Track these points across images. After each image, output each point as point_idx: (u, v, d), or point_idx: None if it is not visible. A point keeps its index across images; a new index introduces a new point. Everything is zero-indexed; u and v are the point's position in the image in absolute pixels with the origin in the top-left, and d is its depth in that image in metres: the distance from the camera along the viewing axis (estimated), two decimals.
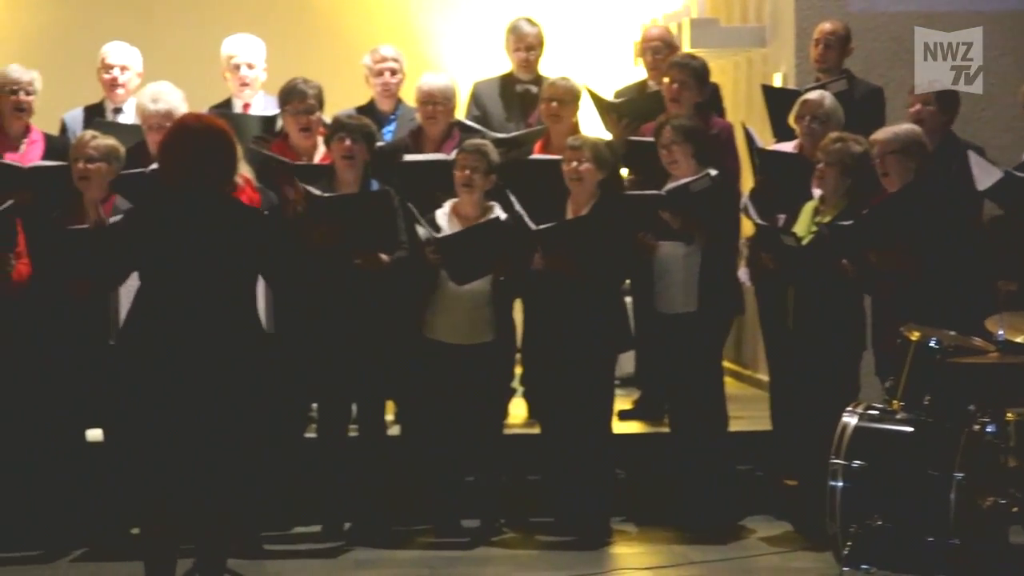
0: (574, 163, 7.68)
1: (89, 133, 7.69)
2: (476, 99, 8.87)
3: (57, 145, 8.05)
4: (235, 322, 5.86)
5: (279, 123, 8.18)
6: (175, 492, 5.85)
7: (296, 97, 7.95)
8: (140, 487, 5.92)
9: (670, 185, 7.71)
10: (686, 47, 9.70)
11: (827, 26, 8.66)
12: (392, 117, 8.56)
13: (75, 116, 8.48)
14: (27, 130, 8.14)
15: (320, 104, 7.99)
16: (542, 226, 7.53)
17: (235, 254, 5.88)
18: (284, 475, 7.64)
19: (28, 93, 8.06)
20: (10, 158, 7.94)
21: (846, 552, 6.52)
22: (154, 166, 6.97)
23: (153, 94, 7.88)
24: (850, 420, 6.70)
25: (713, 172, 7.70)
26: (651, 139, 7.92)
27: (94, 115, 8.41)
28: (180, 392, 5.76)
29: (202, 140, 5.94)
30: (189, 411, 5.77)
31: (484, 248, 7.53)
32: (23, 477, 7.49)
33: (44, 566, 7.30)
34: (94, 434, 7.60)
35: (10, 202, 7.37)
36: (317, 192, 7.48)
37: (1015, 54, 9.36)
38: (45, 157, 7.99)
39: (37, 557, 7.37)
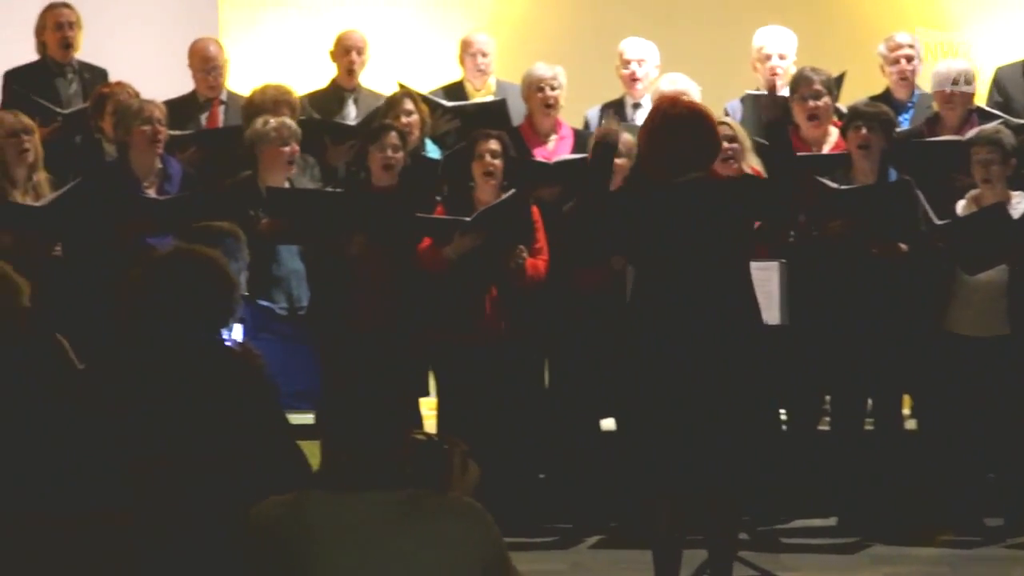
0: None
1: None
2: (998, 84, 8.60)
3: (585, 139, 8.27)
4: (736, 304, 5.87)
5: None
6: (683, 482, 5.90)
7: (803, 84, 7.91)
8: (648, 477, 6.00)
9: None
10: None
11: None
12: (909, 105, 8.38)
13: (594, 113, 8.69)
14: (556, 126, 8.40)
15: (831, 92, 7.91)
16: None
17: (728, 234, 5.89)
18: (799, 467, 7.62)
19: (553, 88, 8.31)
20: (539, 153, 8.22)
21: None
22: None
23: (671, 78, 8.18)
24: None
25: None
26: None
27: (612, 111, 8.60)
28: (685, 380, 5.80)
29: (682, 123, 5.94)
30: (695, 399, 5.80)
31: (993, 236, 7.27)
32: (544, 465, 7.72)
33: (562, 551, 7.49)
34: (607, 423, 7.78)
35: (512, 191, 7.60)
36: (832, 184, 7.42)
37: None
38: (574, 152, 8.23)
39: (555, 543, 7.57)
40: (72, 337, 5.77)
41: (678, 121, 5.94)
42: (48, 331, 5.46)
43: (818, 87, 7.88)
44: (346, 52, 8.90)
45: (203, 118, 8.75)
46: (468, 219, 7.53)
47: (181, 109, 8.53)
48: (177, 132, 8.17)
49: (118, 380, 4.29)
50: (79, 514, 3.80)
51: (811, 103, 7.89)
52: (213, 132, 8.58)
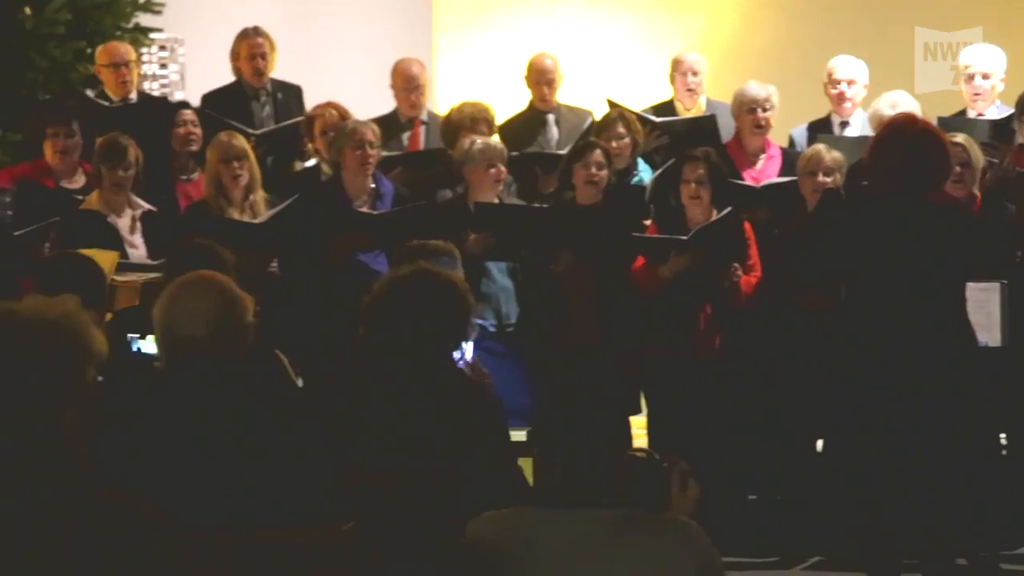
0: None
1: (823, 147, 7.75)
2: None
3: (793, 160, 8.18)
4: (951, 331, 5.77)
5: (1017, 132, 8.02)
6: (897, 506, 5.80)
7: None
8: (861, 500, 5.91)
9: None
10: None
11: None
12: None
13: (801, 132, 8.63)
14: (765, 145, 8.34)
15: None
16: None
17: (943, 259, 5.79)
18: (1021, 492, 7.43)
19: (765, 109, 8.25)
20: (747, 174, 8.17)
21: None
22: None
23: (891, 100, 8.05)
24: None
25: None
26: None
27: (819, 130, 8.51)
28: (901, 401, 5.71)
29: (914, 142, 5.86)
30: (911, 421, 5.71)
31: None
32: (758, 487, 7.65)
33: (778, 572, 7.41)
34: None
35: (728, 210, 7.55)
36: None
37: None
38: (782, 172, 8.16)
39: (773, 563, 7.49)
40: (288, 352, 5.88)
41: (913, 139, 5.88)
42: (269, 347, 5.56)
43: None
44: (537, 83, 8.91)
45: (404, 137, 8.82)
46: (684, 238, 7.50)
47: (383, 128, 8.61)
48: (384, 153, 8.25)
49: (349, 395, 4.35)
50: (301, 528, 3.86)
51: None
52: (418, 154, 8.64)
